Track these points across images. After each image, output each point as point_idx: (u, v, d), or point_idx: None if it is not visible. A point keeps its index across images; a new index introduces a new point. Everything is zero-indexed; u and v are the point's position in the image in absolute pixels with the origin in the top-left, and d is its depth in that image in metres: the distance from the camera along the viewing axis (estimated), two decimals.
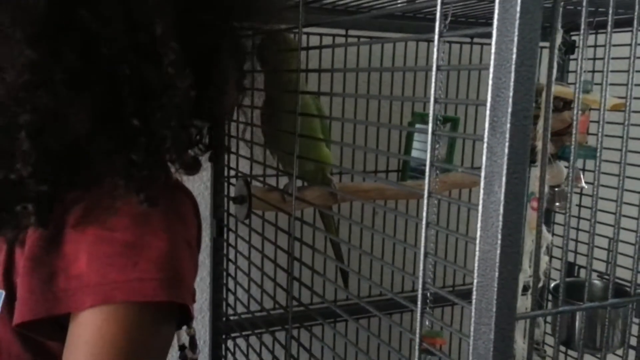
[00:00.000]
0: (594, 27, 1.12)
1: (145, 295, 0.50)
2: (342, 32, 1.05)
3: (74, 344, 0.50)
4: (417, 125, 1.07)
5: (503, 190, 0.40)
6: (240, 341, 1.09)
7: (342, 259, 1.05)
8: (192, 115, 0.55)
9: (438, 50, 0.47)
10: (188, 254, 0.56)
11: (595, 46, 1.17)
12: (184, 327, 0.68)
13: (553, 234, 1.33)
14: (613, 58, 0.57)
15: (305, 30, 0.73)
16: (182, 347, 0.78)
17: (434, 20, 0.47)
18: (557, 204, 1.01)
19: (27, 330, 0.53)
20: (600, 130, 0.57)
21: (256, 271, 0.98)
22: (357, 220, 1.21)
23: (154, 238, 0.53)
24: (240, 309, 1.09)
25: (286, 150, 0.80)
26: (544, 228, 0.83)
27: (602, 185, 0.66)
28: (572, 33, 1.24)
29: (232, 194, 1.02)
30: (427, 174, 0.48)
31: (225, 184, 1.07)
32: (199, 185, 1.19)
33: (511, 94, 0.39)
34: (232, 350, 1.10)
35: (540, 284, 0.92)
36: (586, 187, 0.99)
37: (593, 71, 1.17)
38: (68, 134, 0.51)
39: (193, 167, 0.58)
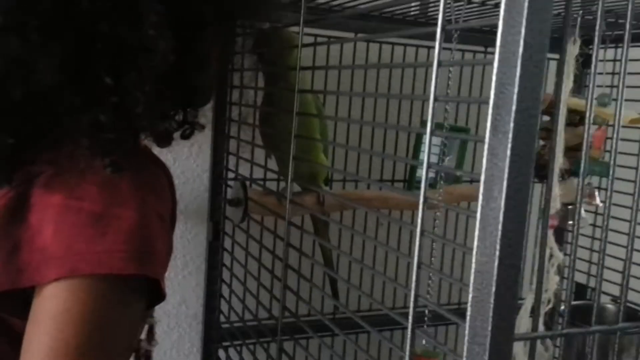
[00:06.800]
0: (613, 40, 1.08)
1: (112, 268, 0.48)
2: (338, 34, 1.01)
3: (38, 318, 0.48)
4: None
5: (503, 196, 0.36)
6: (232, 351, 1.06)
7: (332, 266, 1.01)
8: (169, 85, 0.52)
9: (440, 43, 0.43)
10: (160, 227, 0.53)
11: (614, 60, 1.12)
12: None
13: (565, 254, 1.28)
14: (631, 73, 0.53)
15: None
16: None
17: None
18: (570, 222, 0.97)
19: None
20: (613, 146, 0.53)
21: (251, 277, 0.94)
22: (358, 230, 1.17)
23: (124, 209, 0.50)
24: (233, 316, 1.05)
25: (283, 150, 0.77)
26: (555, 247, 0.79)
27: (616, 205, 0.61)
28: (591, 46, 1.20)
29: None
30: (423, 176, 0.44)
31: (224, 186, 1.03)
32: (199, 186, 1.16)
33: (516, 90, 0.35)
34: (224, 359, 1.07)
35: (551, 305, 0.87)
36: (601, 205, 0.93)
37: (611, 86, 1.12)
38: (34, 83, 0.48)
39: (164, 139, 0.55)
